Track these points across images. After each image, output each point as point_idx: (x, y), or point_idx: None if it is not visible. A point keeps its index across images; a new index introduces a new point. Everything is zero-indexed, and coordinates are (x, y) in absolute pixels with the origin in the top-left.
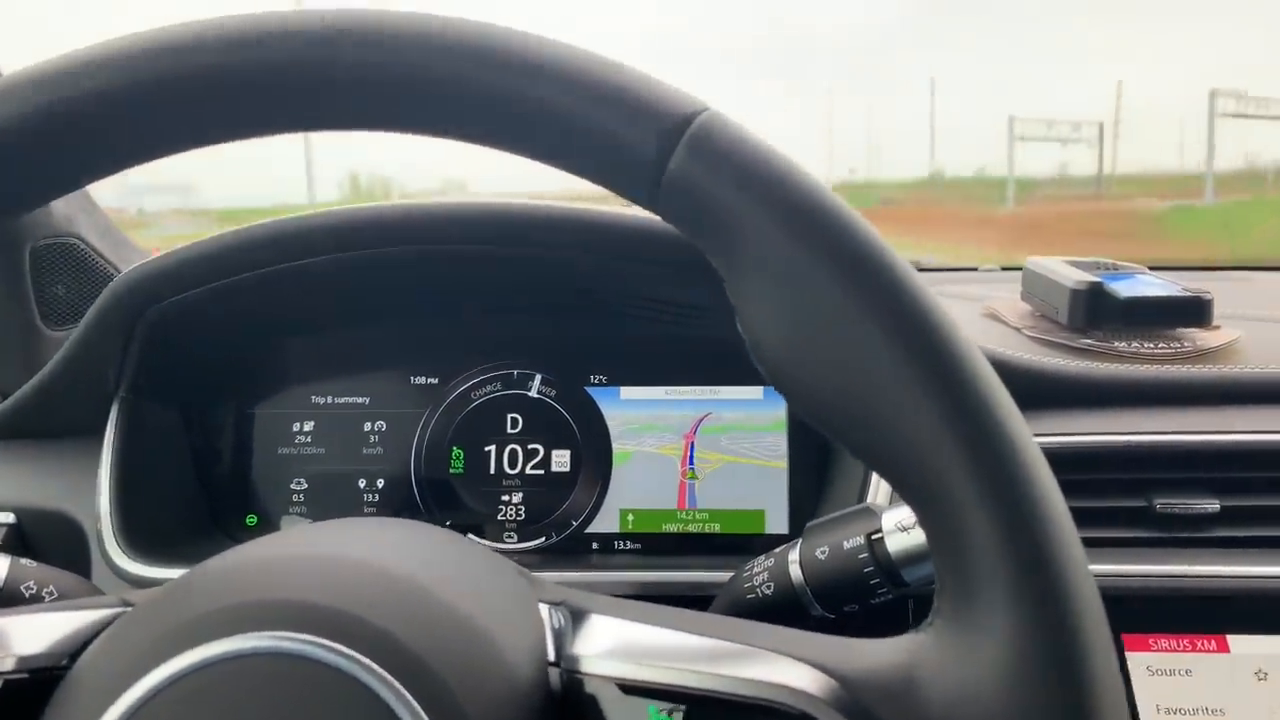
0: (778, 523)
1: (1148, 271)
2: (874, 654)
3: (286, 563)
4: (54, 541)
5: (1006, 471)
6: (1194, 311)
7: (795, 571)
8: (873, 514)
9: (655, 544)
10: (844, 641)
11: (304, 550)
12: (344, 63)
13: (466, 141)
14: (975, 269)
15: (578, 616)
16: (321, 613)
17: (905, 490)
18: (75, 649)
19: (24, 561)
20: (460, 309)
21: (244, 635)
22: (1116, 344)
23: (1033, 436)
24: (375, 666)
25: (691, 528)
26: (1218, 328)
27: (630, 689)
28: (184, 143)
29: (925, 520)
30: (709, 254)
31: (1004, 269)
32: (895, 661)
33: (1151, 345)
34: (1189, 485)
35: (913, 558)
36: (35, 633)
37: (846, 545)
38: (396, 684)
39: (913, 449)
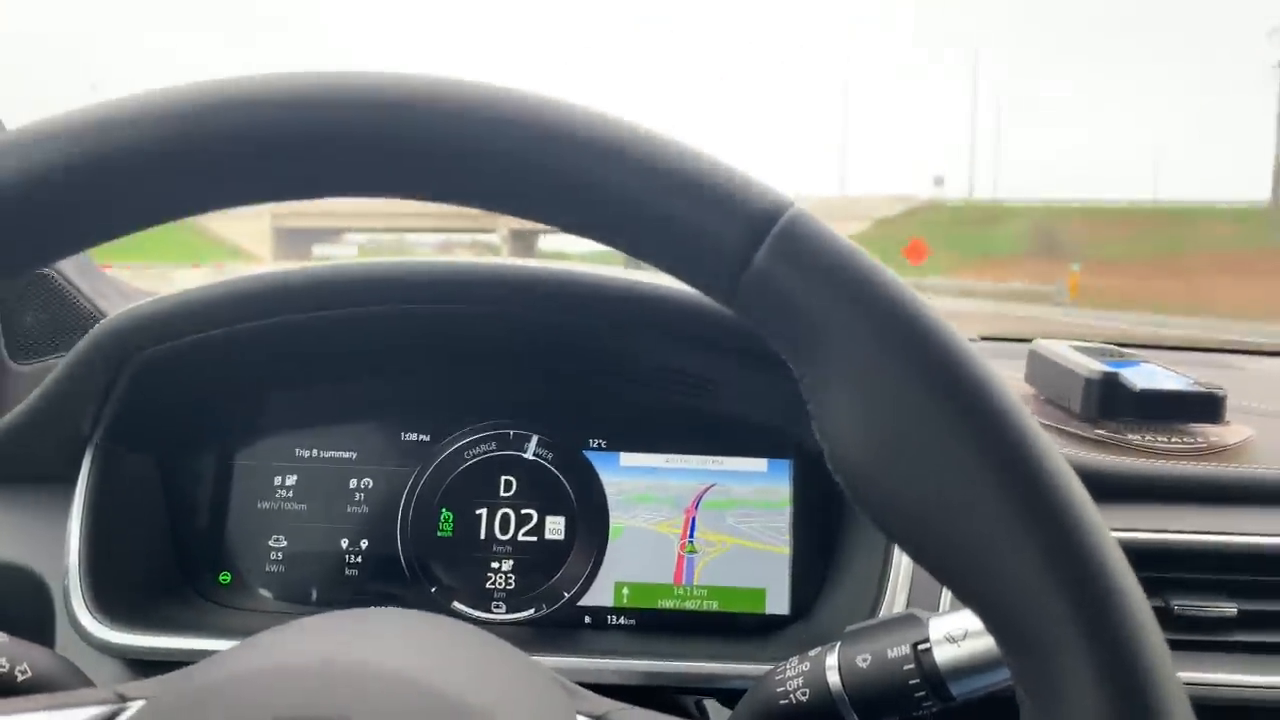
0: (778, 603)
1: (1150, 359)
2: None
3: (305, 674)
4: (14, 597)
5: (1116, 627)
6: (1209, 407)
7: (833, 678)
8: (919, 622)
9: (650, 620)
10: None
11: (324, 656)
12: (428, 135)
13: (539, 221)
14: None
15: None
16: None
17: (993, 623)
18: None
19: None
20: (456, 366)
21: None
22: (1130, 436)
23: (1137, 582)
24: None
25: (689, 604)
26: (1229, 423)
27: None
28: (202, 207)
29: (1016, 662)
30: (788, 356)
31: (983, 339)
32: None
33: (1165, 439)
34: (1207, 587)
35: (962, 671)
36: None
37: (891, 654)
38: None
39: (1011, 588)
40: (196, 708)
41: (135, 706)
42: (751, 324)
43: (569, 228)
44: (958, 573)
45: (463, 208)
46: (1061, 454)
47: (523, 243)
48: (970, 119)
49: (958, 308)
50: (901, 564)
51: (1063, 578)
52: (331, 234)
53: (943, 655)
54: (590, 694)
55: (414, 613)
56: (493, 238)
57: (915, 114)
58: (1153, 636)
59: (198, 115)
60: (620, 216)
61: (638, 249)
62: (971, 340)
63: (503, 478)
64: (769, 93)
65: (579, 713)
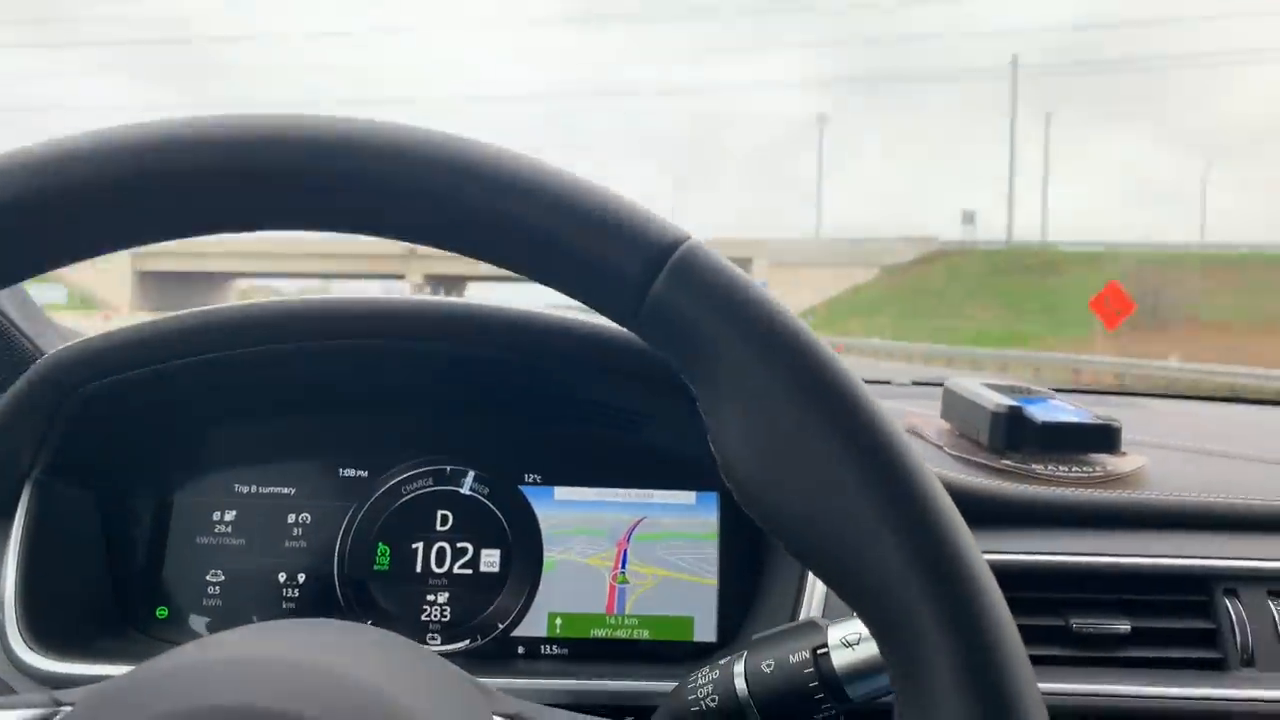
0: (705, 630)
1: (1056, 396)
2: None
3: (244, 666)
4: None
5: (969, 613)
6: (1105, 438)
7: (740, 685)
8: (818, 629)
9: (582, 649)
10: None
11: (258, 653)
12: (348, 170)
13: (465, 254)
14: (889, 382)
15: None
16: (273, 717)
17: (866, 615)
18: None
19: None
20: (394, 403)
21: None
22: (1034, 466)
23: (990, 572)
24: None
25: (620, 633)
26: (1125, 454)
27: None
28: (170, 233)
29: (884, 645)
30: (684, 373)
31: (915, 383)
32: None
33: (1066, 469)
34: (1103, 606)
35: (857, 673)
36: None
37: (792, 659)
38: None
39: (877, 579)
40: (125, 707)
41: (67, 709)
42: (653, 346)
43: (487, 258)
44: (833, 564)
45: (368, 250)
46: (928, 464)
47: (446, 289)
48: (1009, 140)
49: None
50: (814, 592)
51: (922, 566)
52: (210, 279)
53: (839, 659)
54: (506, 696)
55: (340, 622)
56: (403, 285)
57: (942, 142)
58: (1006, 626)
59: (138, 153)
60: (534, 249)
61: (550, 278)
62: (903, 385)
63: (439, 512)
64: (750, 125)
65: (495, 713)
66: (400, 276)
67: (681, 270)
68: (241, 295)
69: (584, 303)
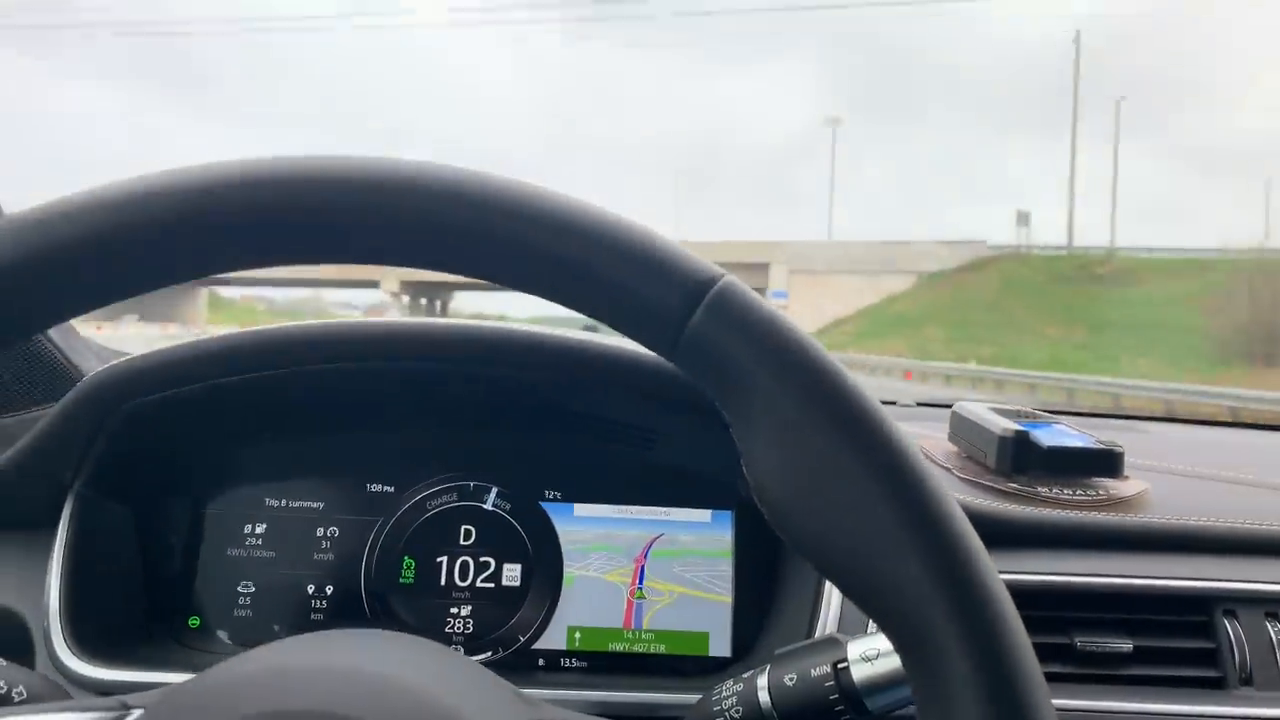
0: (720, 646)
1: (1062, 421)
2: None
3: (301, 673)
4: None
5: (990, 633)
6: (1108, 463)
7: (764, 697)
8: (839, 644)
9: (600, 663)
10: None
11: (314, 661)
12: (412, 210)
13: (515, 289)
14: (895, 403)
15: None
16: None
17: (891, 630)
18: None
19: None
20: (420, 421)
21: None
22: (1039, 489)
23: (1008, 594)
24: None
25: (637, 647)
26: (1127, 478)
27: None
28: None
29: (908, 659)
30: (719, 403)
31: (920, 404)
32: None
33: (1070, 492)
34: (1106, 625)
35: (876, 686)
36: None
37: (814, 673)
38: None
39: (903, 598)
40: (194, 711)
41: (136, 714)
42: (689, 376)
43: (538, 293)
44: (860, 583)
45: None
46: (951, 492)
47: (427, 297)
48: (1071, 125)
49: None
50: (830, 609)
51: (946, 587)
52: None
53: (859, 673)
54: (551, 706)
55: (388, 632)
56: (376, 293)
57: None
58: (1019, 633)
59: (183, 198)
60: (581, 285)
61: (594, 311)
62: (907, 405)
63: (463, 527)
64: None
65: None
66: (375, 284)
67: (718, 306)
68: (210, 301)
69: (624, 334)
